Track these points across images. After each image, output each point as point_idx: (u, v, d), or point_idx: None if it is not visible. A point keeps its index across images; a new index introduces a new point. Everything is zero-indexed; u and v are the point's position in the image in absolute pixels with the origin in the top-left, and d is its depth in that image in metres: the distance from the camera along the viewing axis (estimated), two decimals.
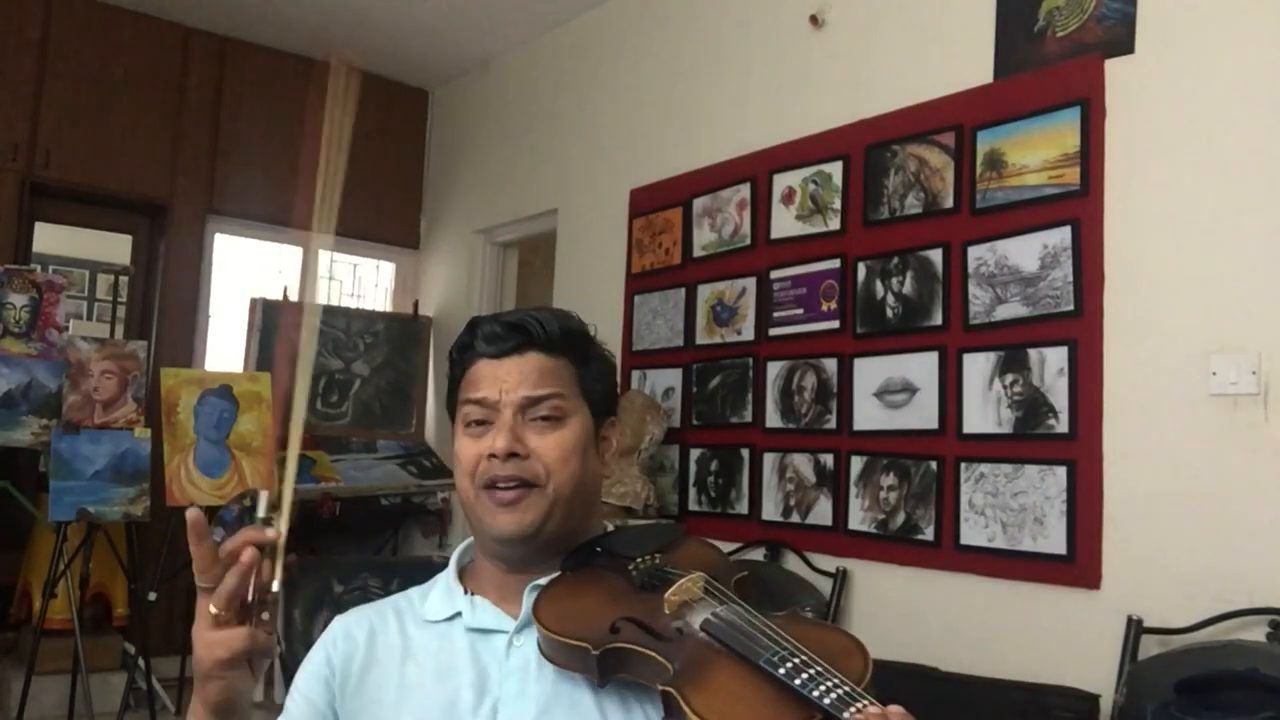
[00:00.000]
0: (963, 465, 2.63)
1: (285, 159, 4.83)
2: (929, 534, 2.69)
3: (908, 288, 2.83)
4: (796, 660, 0.82)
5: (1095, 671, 2.23)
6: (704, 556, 1.07)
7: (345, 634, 1.08)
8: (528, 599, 1.03)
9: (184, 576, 3.94)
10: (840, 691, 0.78)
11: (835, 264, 3.03)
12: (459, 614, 1.07)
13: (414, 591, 1.14)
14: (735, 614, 0.91)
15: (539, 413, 1.06)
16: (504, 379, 1.07)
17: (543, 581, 1.04)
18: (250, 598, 0.83)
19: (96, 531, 3.62)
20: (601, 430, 1.12)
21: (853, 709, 0.76)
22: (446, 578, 1.12)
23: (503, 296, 4.89)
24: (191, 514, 0.85)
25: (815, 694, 0.78)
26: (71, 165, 4.31)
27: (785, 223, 3.22)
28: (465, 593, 1.09)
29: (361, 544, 4.68)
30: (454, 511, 4.72)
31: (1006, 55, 2.66)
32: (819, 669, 0.81)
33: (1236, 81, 2.21)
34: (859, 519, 2.88)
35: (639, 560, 1.03)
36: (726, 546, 3.16)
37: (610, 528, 1.15)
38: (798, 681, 0.80)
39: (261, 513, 0.86)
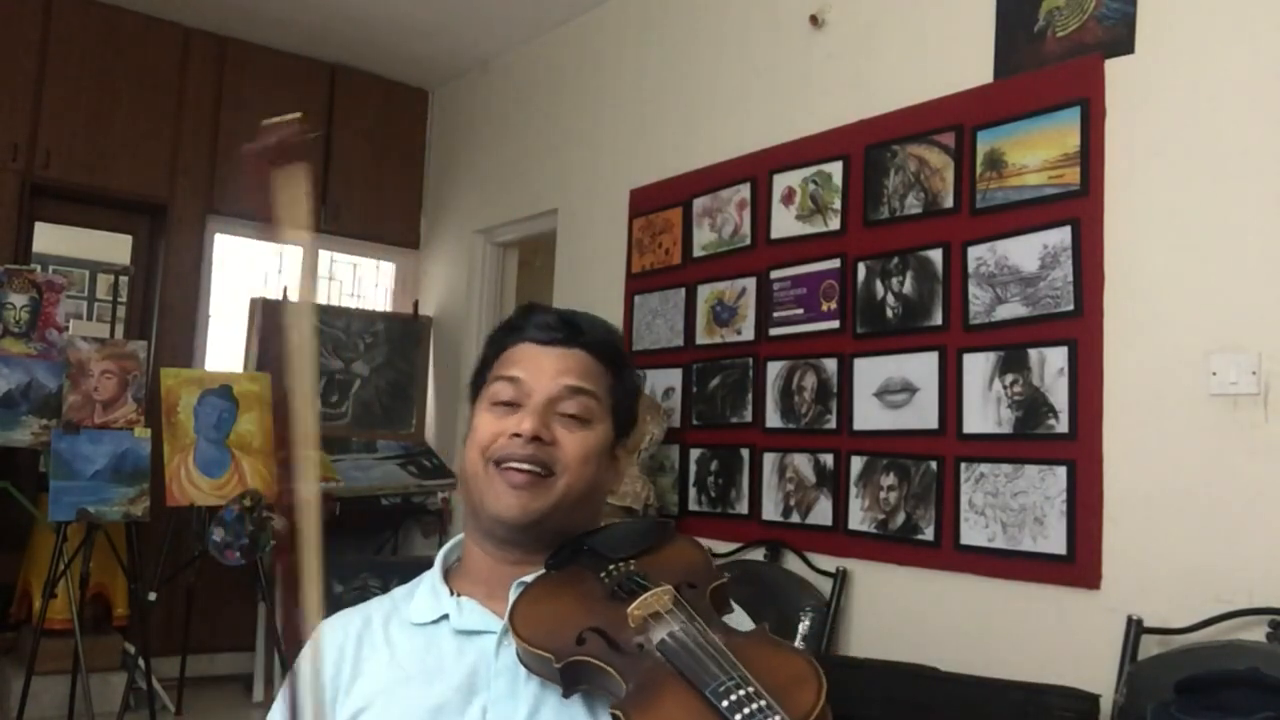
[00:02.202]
0: (963, 465, 2.63)
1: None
2: (929, 534, 2.69)
3: (908, 288, 2.83)
4: (742, 693, 0.81)
5: (1095, 671, 2.23)
6: (686, 560, 1.04)
7: (331, 642, 1.06)
8: (513, 596, 1.02)
9: (184, 576, 3.95)
10: None
11: (835, 264, 3.03)
12: (446, 616, 1.05)
13: (398, 592, 1.13)
14: (691, 635, 0.89)
15: (569, 409, 1.05)
16: (545, 367, 1.06)
17: (528, 579, 1.03)
18: None
19: (96, 531, 3.62)
20: (614, 449, 1.11)
21: None
22: (432, 578, 1.10)
23: (503, 296, 4.89)
24: None
25: None
26: (71, 165, 4.31)
27: (785, 223, 3.22)
28: (451, 594, 1.07)
29: (361, 544, 4.68)
30: (454, 511, 4.73)
31: (1006, 55, 2.66)
32: (763, 703, 0.80)
33: (1236, 81, 2.21)
34: (859, 519, 2.88)
35: (613, 566, 1.00)
36: (726, 547, 3.17)
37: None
38: (738, 717, 0.80)
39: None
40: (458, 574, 1.11)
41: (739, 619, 1.03)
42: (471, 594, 1.06)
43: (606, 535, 1.06)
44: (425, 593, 1.09)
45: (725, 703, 0.81)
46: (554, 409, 1.05)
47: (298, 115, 0.73)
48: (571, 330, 1.09)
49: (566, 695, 0.92)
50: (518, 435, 1.02)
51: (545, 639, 0.92)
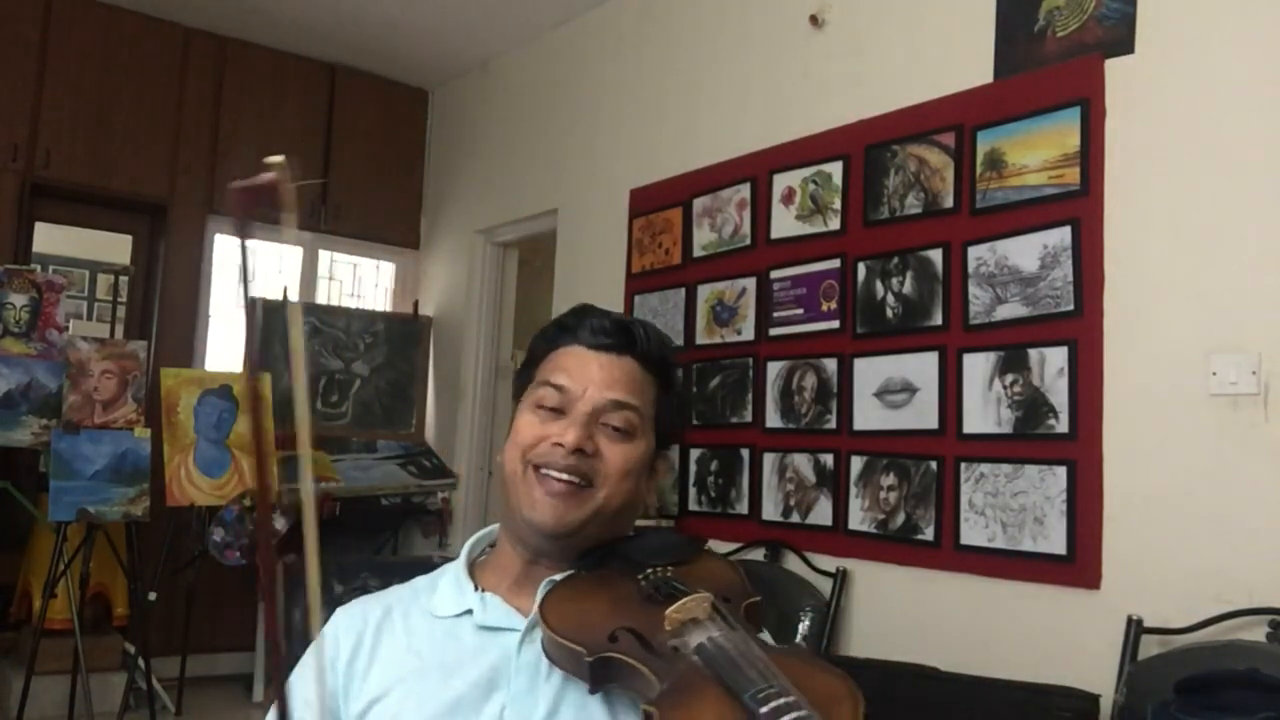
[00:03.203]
0: (963, 465, 2.63)
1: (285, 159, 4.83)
2: (929, 534, 2.69)
3: (908, 288, 2.82)
4: (781, 702, 0.79)
5: (1095, 671, 2.23)
6: (720, 577, 1.03)
7: (348, 628, 1.07)
8: (542, 594, 1.01)
9: (184, 576, 3.95)
10: None
11: (835, 264, 3.03)
12: (469, 611, 1.04)
13: (420, 582, 1.12)
14: (731, 641, 0.88)
15: (614, 421, 1.04)
16: (593, 375, 1.05)
17: (558, 578, 1.02)
18: None
19: (96, 531, 3.62)
20: (654, 461, 1.11)
21: None
22: (456, 571, 1.10)
23: (503, 296, 4.89)
24: None
25: None
26: (71, 165, 4.31)
27: (785, 223, 3.21)
28: (476, 588, 1.07)
29: (361, 544, 4.68)
30: (454, 511, 4.72)
31: (1006, 55, 2.66)
32: (803, 714, 0.78)
33: (1236, 81, 2.21)
34: (859, 519, 2.88)
35: (650, 571, 1.00)
36: (726, 547, 3.17)
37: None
38: None
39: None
40: (484, 567, 1.11)
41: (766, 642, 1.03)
42: (496, 589, 1.06)
43: (639, 543, 1.06)
44: (449, 585, 1.08)
45: (764, 709, 0.78)
46: (598, 420, 1.04)
47: (280, 160, 0.69)
48: (625, 338, 1.07)
49: (593, 691, 0.91)
50: (560, 445, 1.01)
51: (577, 633, 0.91)
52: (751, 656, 0.86)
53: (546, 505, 1.02)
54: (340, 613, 1.10)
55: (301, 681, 1.05)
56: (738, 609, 0.97)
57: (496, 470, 1.10)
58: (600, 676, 0.91)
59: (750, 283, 3.31)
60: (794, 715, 0.77)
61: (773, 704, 0.78)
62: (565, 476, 1.01)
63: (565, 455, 1.01)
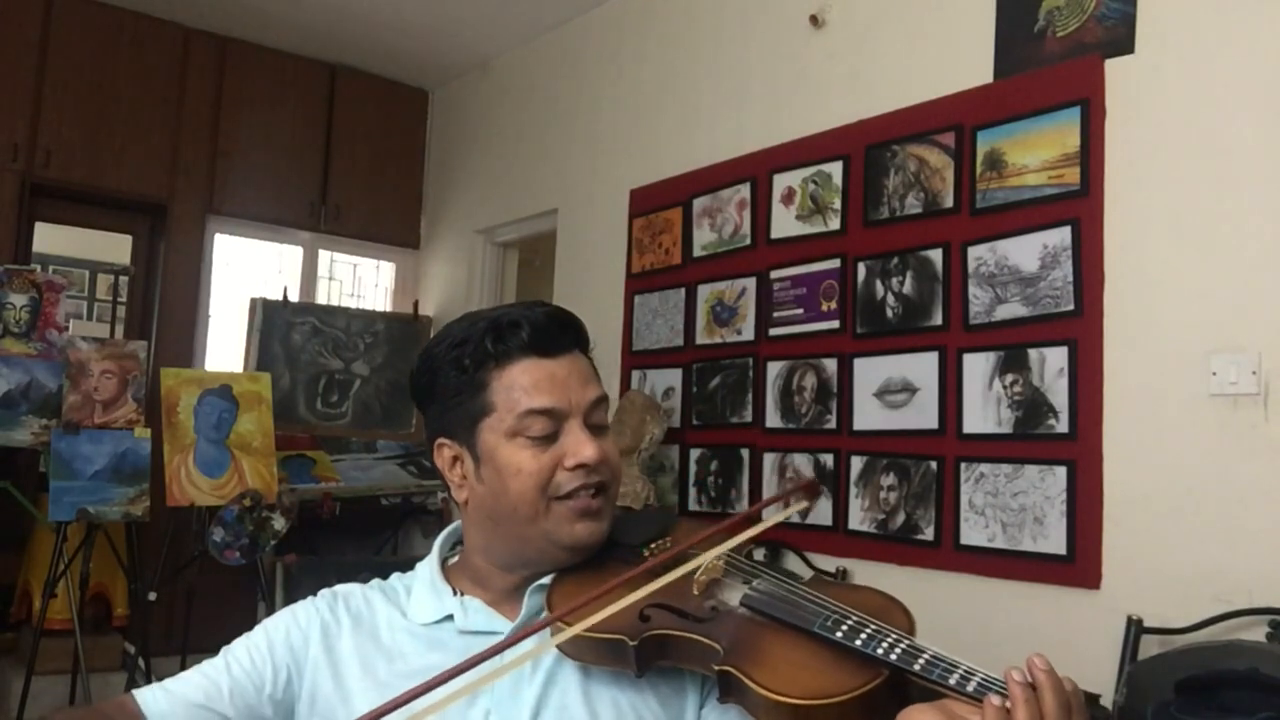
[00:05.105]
0: (963, 465, 2.63)
1: (285, 159, 4.84)
2: (929, 534, 2.69)
3: (908, 288, 2.82)
4: (850, 622, 0.81)
5: (1095, 671, 2.23)
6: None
7: (328, 607, 1.07)
8: (530, 600, 1.01)
9: (184, 576, 3.94)
10: (903, 646, 0.79)
11: (835, 264, 3.03)
12: (450, 616, 1.03)
13: (397, 583, 1.11)
14: (772, 585, 0.89)
15: (599, 420, 1.02)
16: (567, 384, 1.00)
17: (546, 581, 1.01)
18: None
19: (96, 531, 3.62)
20: None
21: (921, 660, 0.77)
22: (430, 575, 1.08)
23: (503, 297, 4.89)
24: None
25: (879, 651, 0.78)
26: (71, 165, 4.30)
27: (785, 223, 3.21)
28: (454, 593, 1.05)
29: (361, 544, 4.67)
30: (454, 512, 4.72)
31: (1006, 55, 2.66)
32: (875, 626, 0.81)
33: (1236, 81, 2.21)
34: (859, 519, 2.88)
35: (652, 545, 0.99)
36: None
37: None
38: (858, 642, 0.79)
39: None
40: (458, 573, 1.09)
41: None
42: (475, 595, 1.05)
43: (619, 526, 1.05)
44: (424, 591, 1.07)
45: (839, 633, 0.81)
46: (584, 422, 1.01)
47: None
48: (572, 333, 1.04)
49: (640, 675, 0.91)
50: (583, 465, 0.98)
51: (608, 624, 0.89)
52: (798, 593, 0.87)
53: (585, 527, 0.99)
54: (325, 592, 1.10)
55: (267, 632, 1.06)
56: (748, 557, 0.98)
57: (481, 510, 1.03)
58: (648, 658, 0.90)
59: (750, 283, 3.31)
60: (870, 629, 0.80)
61: (844, 626, 0.81)
62: (595, 493, 0.99)
63: (590, 473, 0.98)
